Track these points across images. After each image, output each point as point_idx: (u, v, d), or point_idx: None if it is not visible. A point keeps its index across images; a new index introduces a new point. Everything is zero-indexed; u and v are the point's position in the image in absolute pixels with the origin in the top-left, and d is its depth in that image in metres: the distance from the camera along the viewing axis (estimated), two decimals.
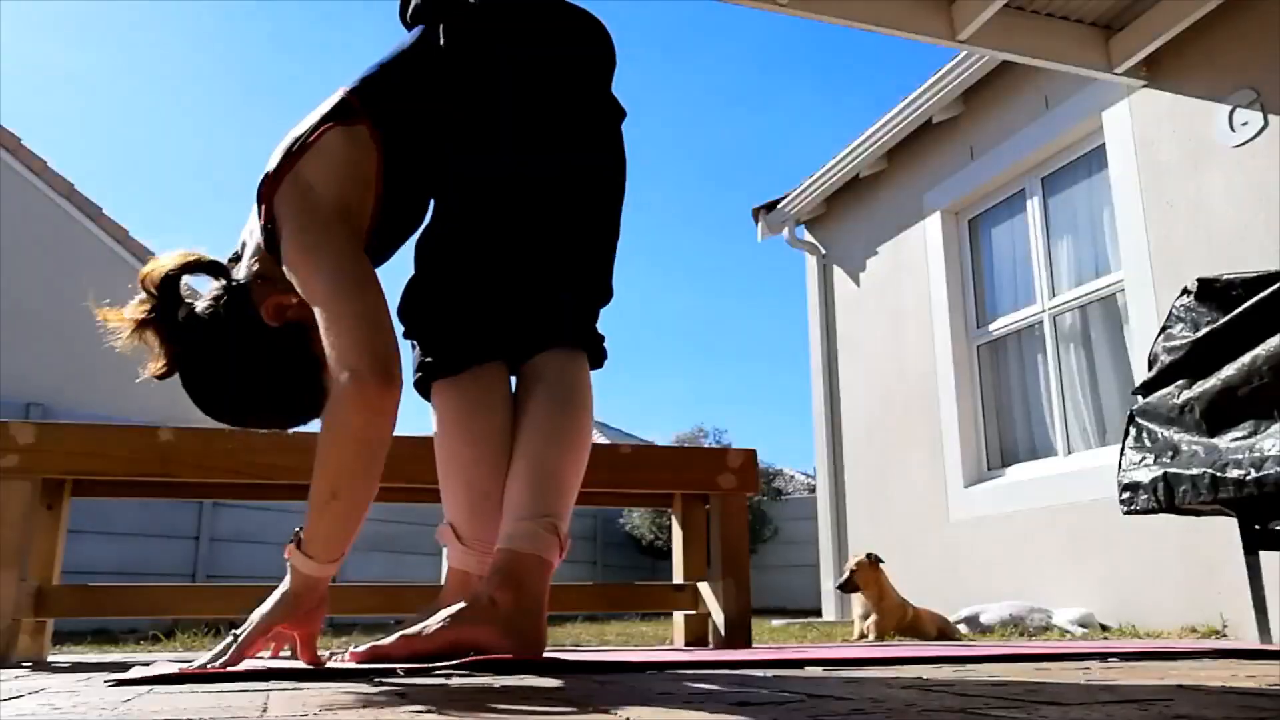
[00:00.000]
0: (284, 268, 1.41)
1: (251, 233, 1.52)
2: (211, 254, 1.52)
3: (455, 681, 1.23)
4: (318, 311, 1.36)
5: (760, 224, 7.41)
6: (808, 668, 1.53)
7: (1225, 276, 2.71)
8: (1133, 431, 2.76)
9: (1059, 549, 4.76)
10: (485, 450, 1.56)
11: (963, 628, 4.45)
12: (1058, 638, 3.90)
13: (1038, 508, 4.94)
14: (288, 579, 1.39)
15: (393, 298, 1.55)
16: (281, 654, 1.54)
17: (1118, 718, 0.83)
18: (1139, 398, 2.78)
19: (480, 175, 1.55)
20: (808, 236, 7.32)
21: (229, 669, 1.32)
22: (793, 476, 15.85)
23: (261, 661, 1.49)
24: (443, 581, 1.73)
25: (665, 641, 3.60)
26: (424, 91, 1.52)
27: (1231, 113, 4.13)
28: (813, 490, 12.65)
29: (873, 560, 4.42)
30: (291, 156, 1.43)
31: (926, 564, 5.56)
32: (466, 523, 1.59)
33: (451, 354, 1.57)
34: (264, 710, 0.92)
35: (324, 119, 1.44)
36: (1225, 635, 3.74)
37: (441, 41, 1.54)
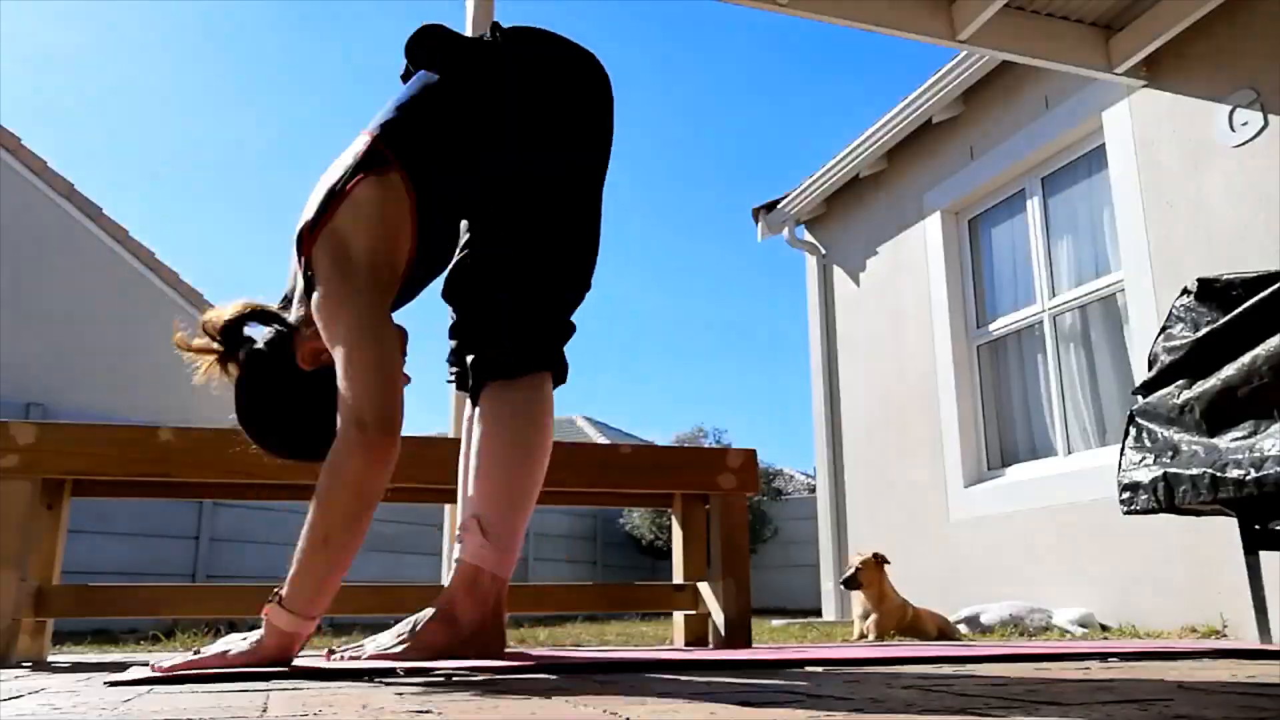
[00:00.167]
0: (314, 313, 1.48)
1: (295, 276, 1.59)
2: (267, 297, 1.63)
3: (455, 681, 1.23)
4: (335, 356, 1.44)
5: (760, 224, 7.41)
6: (808, 668, 1.53)
7: (1225, 276, 2.71)
8: (1133, 431, 2.76)
9: (1059, 549, 4.76)
10: (533, 454, 1.62)
11: (963, 628, 4.44)
12: (1058, 638, 3.90)
13: (1038, 508, 4.94)
14: (261, 635, 1.40)
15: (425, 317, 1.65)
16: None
17: (1118, 718, 0.83)
18: (1139, 398, 2.78)
19: (498, 175, 1.60)
20: (808, 236, 7.32)
21: (207, 669, 1.34)
22: (793, 476, 15.86)
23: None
24: (444, 581, 1.75)
25: (665, 641, 3.60)
26: (445, 127, 1.57)
27: (1231, 113, 4.13)
28: (813, 490, 12.66)
29: (878, 559, 4.42)
30: (327, 209, 1.48)
31: (926, 564, 5.55)
32: (500, 520, 1.59)
33: (514, 358, 1.62)
34: (264, 710, 0.92)
35: (357, 168, 1.49)
36: (1225, 635, 3.74)
37: (463, 80, 1.59)
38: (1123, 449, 2.77)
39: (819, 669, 1.50)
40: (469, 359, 1.67)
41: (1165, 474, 2.57)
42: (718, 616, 2.32)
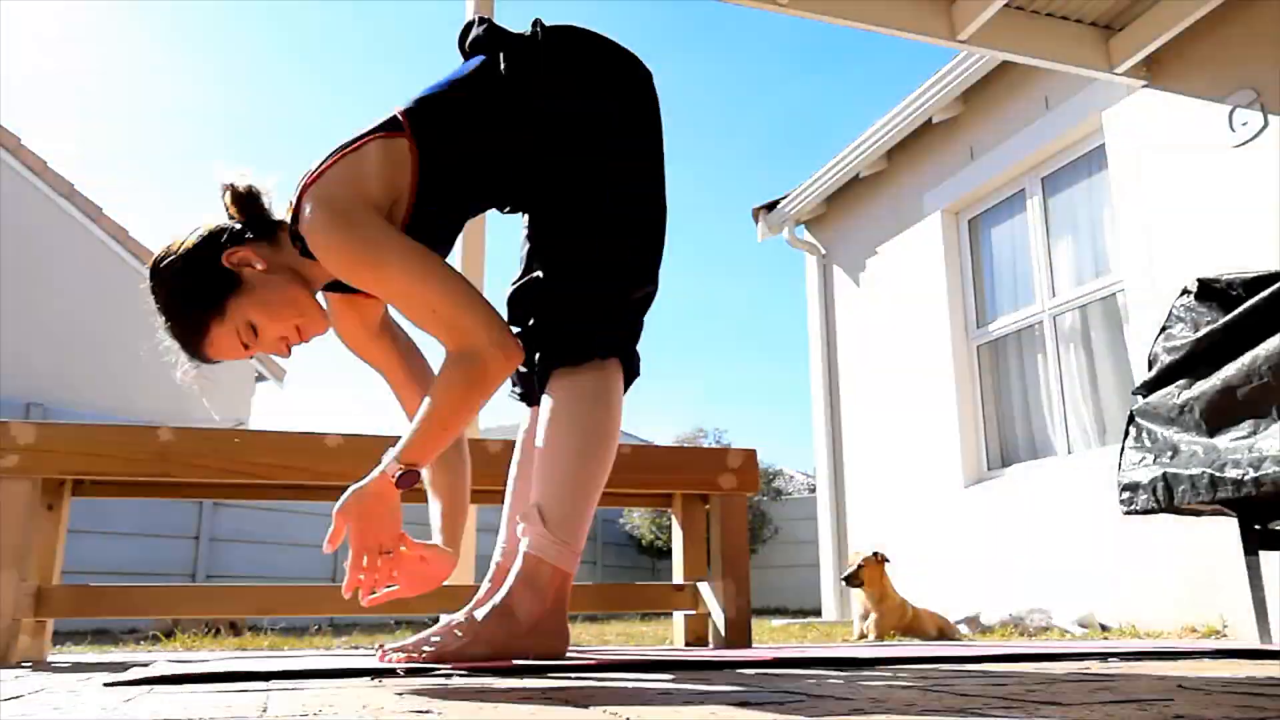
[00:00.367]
0: (334, 271, 1.49)
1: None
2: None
3: (455, 681, 1.23)
4: (399, 303, 1.48)
5: (760, 224, 7.41)
6: (808, 667, 1.53)
7: (1225, 276, 2.71)
8: (1133, 431, 2.76)
9: (1059, 549, 4.76)
10: (601, 440, 1.59)
11: (963, 628, 4.45)
12: (1058, 638, 3.90)
13: (1038, 508, 4.94)
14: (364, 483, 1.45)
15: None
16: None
17: (1118, 718, 0.83)
18: (1139, 398, 2.78)
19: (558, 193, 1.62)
20: (808, 236, 7.32)
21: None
22: (793, 476, 15.85)
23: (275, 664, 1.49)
24: (447, 580, 1.75)
25: (665, 641, 3.60)
26: (479, 120, 1.57)
27: (1231, 113, 4.13)
28: (813, 490, 12.66)
29: (880, 558, 4.42)
30: (330, 158, 1.51)
31: (927, 564, 5.55)
32: (563, 509, 1.55)
33: (580, 342, 1.60)
34: (264, 710, 0.92)
35: (369, 131, 1.52)
36: (1225, 635, 3.74)
37: (501, 70, 1.59)
38: (1122, 449, 2.77)
39: (819, 669, 1.50)
40: (534, 361, 1.64)
41: (1165, 474, 2.57)
42: (718, 616, 2.32)
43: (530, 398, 1.75)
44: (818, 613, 7.20)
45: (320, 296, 1.64)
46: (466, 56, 1.69)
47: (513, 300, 1.68)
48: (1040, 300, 5.31)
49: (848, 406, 6.76)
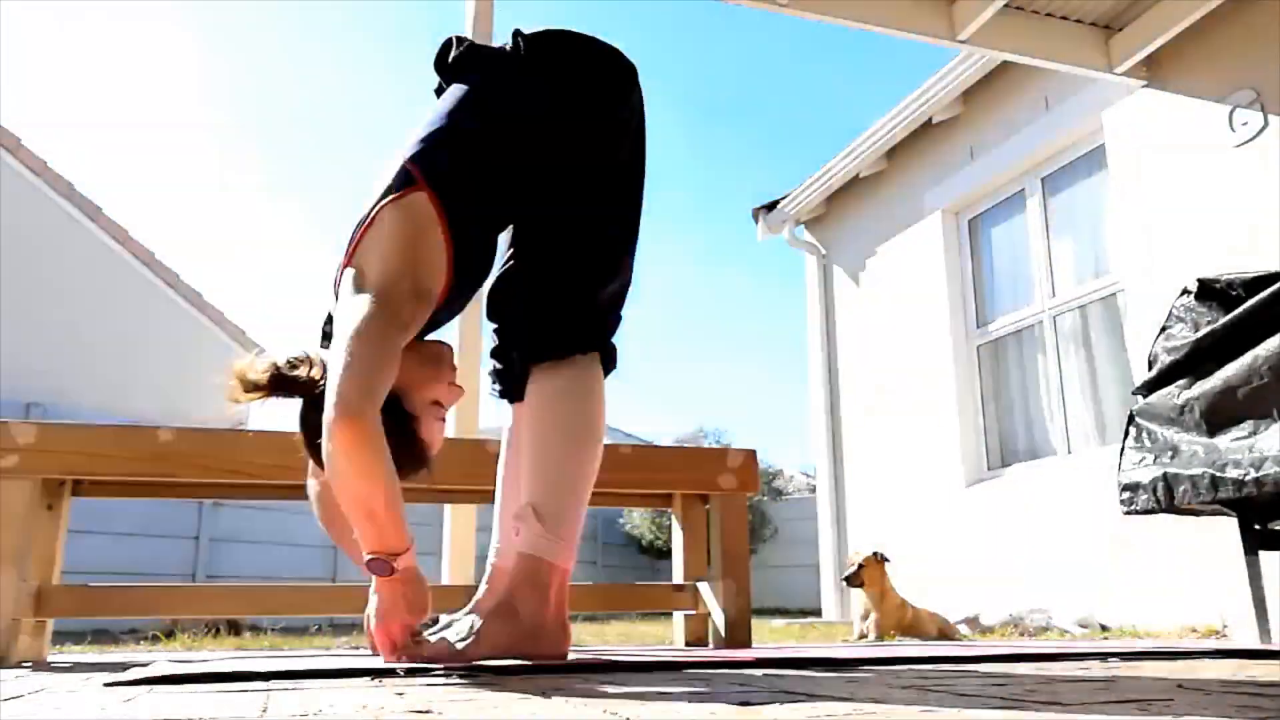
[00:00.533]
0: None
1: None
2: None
3: (455, 681, 1.23)
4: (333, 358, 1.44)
5: (760, 224, 7.41)
6: (808, 668, 1.53)
7: (1225, 276, 2.71)
8: (1133, 431, 2.76)
9: (1059, 549, 4.76)
10: (586, 435, 1.59)
11: (963, 628, 4.44)
12: (1058, 638, 3.90)
13: (1038, 507, 4.94)
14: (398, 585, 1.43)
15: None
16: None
17: (1118, 717, 0.83)
18: (1139, 398, 2.78)
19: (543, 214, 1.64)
20: (808, 236, 7.32)
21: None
22: (793, 476, 15.85)
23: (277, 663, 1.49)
24: (445, 581, 1.75)
25: (665, 641, 3.60)
26: (485, 147, 1.59)
27: (1231, 113, 4.13)
28: (813, 490, 12.66)
29: (880, 558, 4.42)
30: (353, 242, 1.54)
31: (927, 563, 5.55)
32: (556, 507, 1.55)
33: (558, 338, 1.61)
34: (264, 710, 0.92)
35: (381, 195, 1.53)
36: (1225, 635, 3.74)
37: (491, 89, 1.61)
38: (1123, 449, 2.77)
39: (819, 669, 1.50)
40: (513, 359, 1.66)
41: (1165, 474, 2.57)
42: (718, 616, 2.32)
43: (511, 395, 1.75)
44: (818, 613, 7.19)
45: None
46: (445, 77, 1.69)
47: (493, 294, 1.70)
48: (1040, 300, 5.31)
49: (848, 406, 6.76)
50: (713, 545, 2.40)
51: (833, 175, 6.70)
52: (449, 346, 1.70)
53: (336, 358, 1.39)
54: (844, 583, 4.59)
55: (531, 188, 1.63)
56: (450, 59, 1.68)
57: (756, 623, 4.49)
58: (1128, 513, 2.70)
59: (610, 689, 1.14)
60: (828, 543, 6.76)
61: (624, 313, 1.71)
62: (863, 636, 4.30)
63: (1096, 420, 4.94)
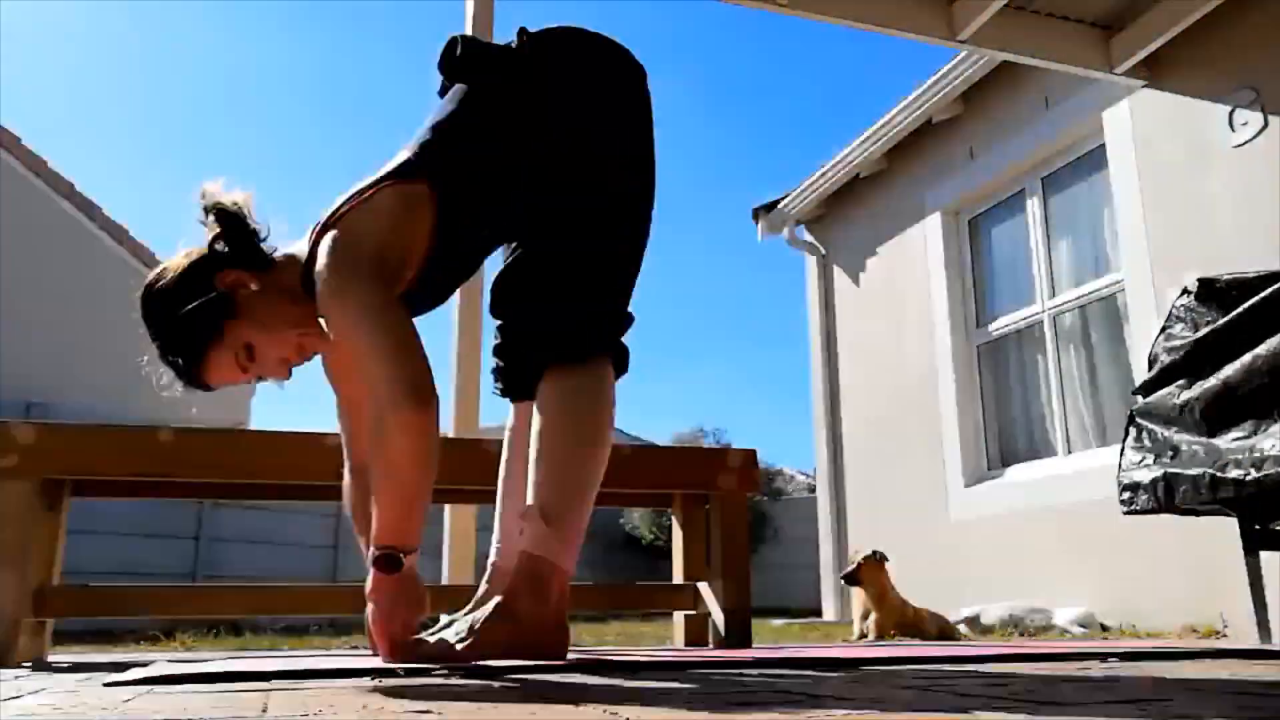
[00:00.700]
0: (319, 309, 1.50)
1: (292, 254, 1.62)
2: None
3: (455, 681, 1.23)
4: (350, 348, 1.46)
5: (760, 224, 7.40)
6: (808, 668, 1.53)
7: (1225, 276, 2.71)
8: (1133, 431, 2.76)
9: (1059, 549, 4.76)
10: (596, 437, 1.59)
11: (963, 628, 4.44)
12: (1058, 638, 3.90)
13: (1038, 508, 4.94)
14: (395, 583, 1.45)
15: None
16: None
17: (1118, 718, 0.83)
18: (1139, 398, 2.78)
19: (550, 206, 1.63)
20: (808, 236, 7.32)
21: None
22: (793, 476, 15.85)
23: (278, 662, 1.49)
24: (445, 581, 1.75)
25: (665, 641, 3.60)
26: (487, 148, 1.60)
27: (1231, 113, 4.13)
28: (813, 490, 12.65)
29: (878, 558, 4.42)
30: (344, 206, 1.53)
31: (926, 564, 5.55)
32: (562, 507, 1.55)
33: (572, 341, 1.61)
34: (264, 710, 0.92)
35: (383, 177, 1.54)
36: (1225, 635, 3.74)
37: (495, 90, 1.62)
38: (1123, 449, 2.77)
39: (819, 669, 1.50)
40: (521, 358, 1.67)
41: (1165, 474, 2.57)
42: (718, 616, 2.32)
43: (514, 393, 1.75)
44: (818, 613, 7.19)
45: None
46: (449, 77, 1.69)
47: (499, 291, 1.69)
48: (1040, 300, 5.31)
49: (847, 406, 6.76)
50: (713, 545, 2.40)
51: (833, 175, 6.69)
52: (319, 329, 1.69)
53: (371, 341, 1.41)
54: (842, 581, 4.58)
55: (537, 186, 1.62)
56: (455, 58, 1.68)
57: (756, 623, 4.49)
58: (1128, 513, 2.70)
59: (610, 689, 1.14)
60: (828, 543, 6.76)
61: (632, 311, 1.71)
62: (863, 636, 4.30)
63: (1096, 420, 4.94)
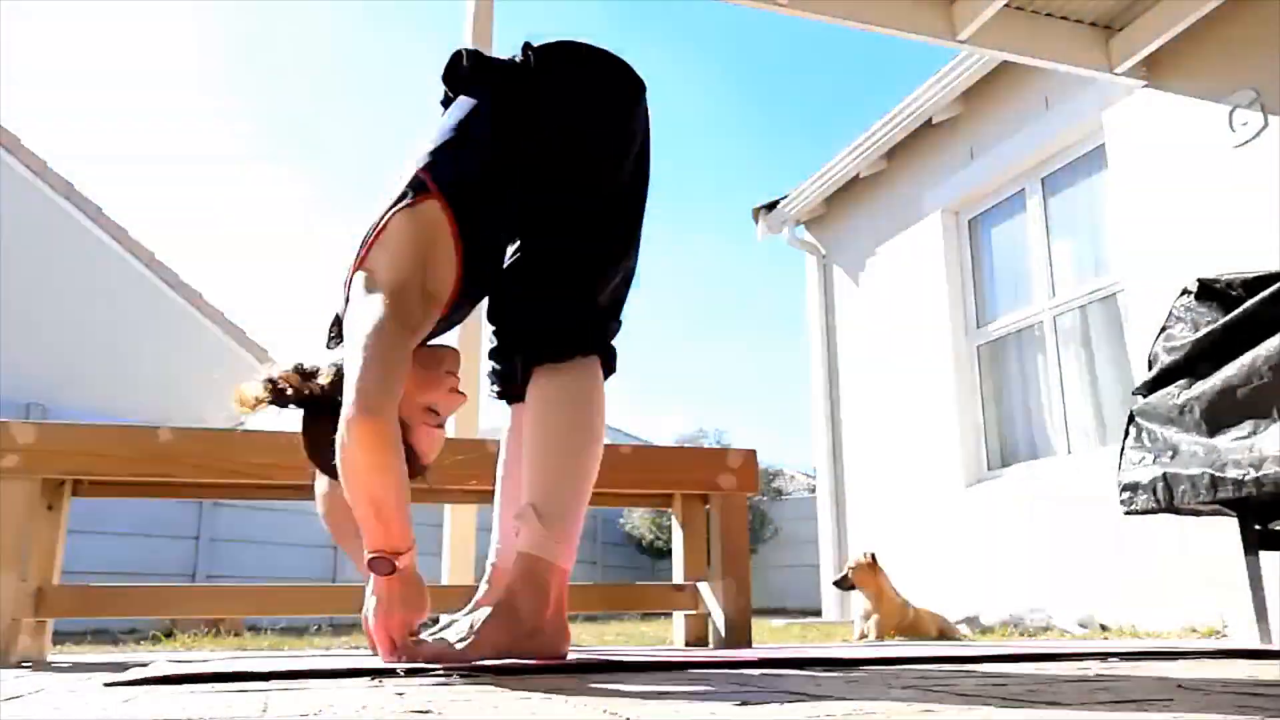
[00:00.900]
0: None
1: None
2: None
3: (455, 681, 1.23)
4: (346, 358, 1.47)
5: (760, 224, 7.41)
6: (808, 668, 1.53)
7: (1225, 276, 2.71)
8: (1133, 431, 2.76)
9: (1059, 549, 4.76)
10: (587, 436, 1.60)
11: (963, 628, 4.44)
12: (1058, 638, 3.90)
13: (1038, 508, 4.94)
14: (397, 584, 1.46)
15: None
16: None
17: (1117, 718, 0.83)
18: (1139, 398, 2.78)
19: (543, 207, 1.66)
20: (808, 236, 7.32)
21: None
22: (793, 476, 15.85)
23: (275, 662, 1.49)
24: (445, 581, 1.75)
25: (665, 641, 3.60)
26: (495, 158, 1.63)
27: (1231, 113, 4.13)
28: (813, 490, 12.67)
29: (871, 560, 4.42)
30: (365, 246, 1.56)
31: (927, 564, 5.55)
32: (557, 507, 1.56)
33: (560, 340, 1.62)
34: (264, 710, 0.92)
35: (394, 204, 1.56)
36: (1225, 635, 3.74)
37: (500, 102, 1.66)
38: (1123, 449, 2.77)
39: (819, 669, 1.50)
40: (514, 360, 1.68)
41: (1165, 474, 2.57)
42: (718, 616, 2.32)
43: (509, 396, 1.76)
44: (818, 613, 7.20)
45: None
46: (454, 89, 1.73)
47: (494, 295, 1.70)
48: (1040, 300, 5.31)
49: (848, 406, 6.76)
50: (713, 545, 2.40)
51: (833, 175, 6.70)
52: (453, 351, 1.70)
53: (352, 358, 1.42)
54: (835, 586, 4.59)
55: (537, 196, 1.65)
56: (460, 71, 1.71)
57: (756, 623, 4.49)
58: (1128, 513, 2.70)
59: (610, 689, 1.14)
60: (828, 543, 6.76)
61: (624, 314, 1.73)
62: (863, 636, 4.30)
63: (1096, 420, 4.94)
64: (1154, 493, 2.60)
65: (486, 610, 1.50)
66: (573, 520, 1.56)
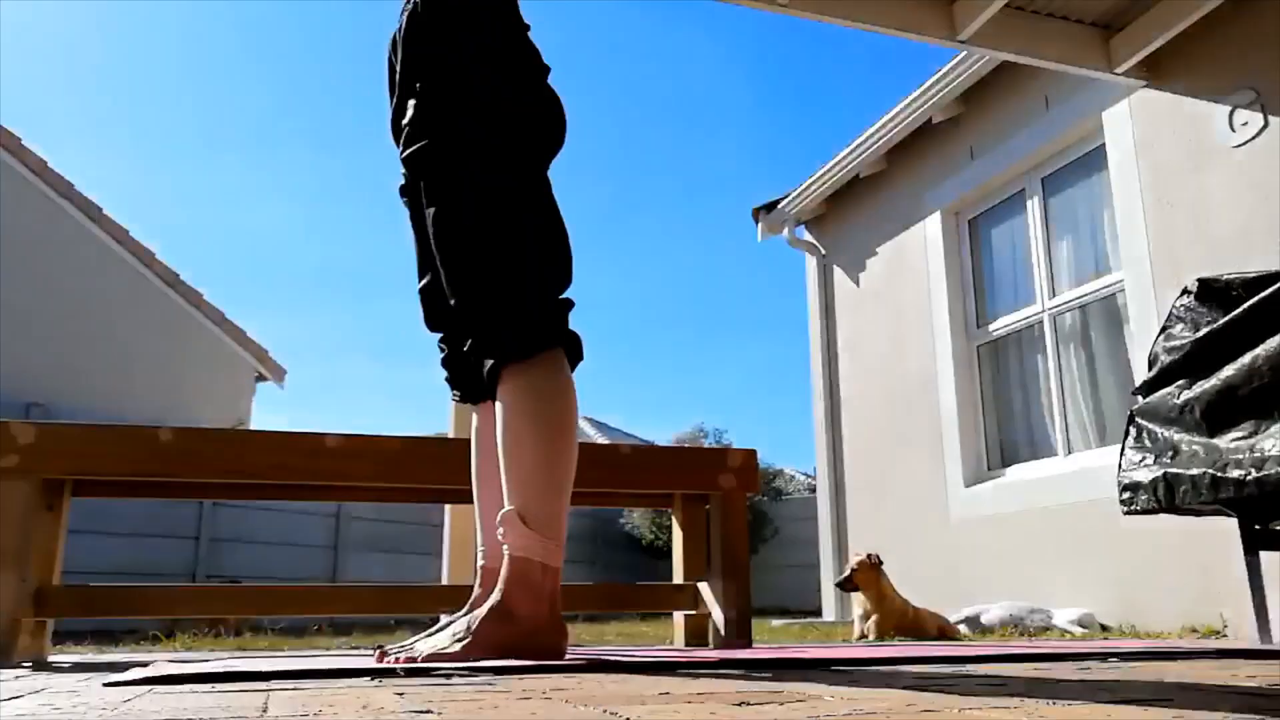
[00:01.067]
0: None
1: None
2: None
3: (455, 681, 1.23)
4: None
5: (760, 224, 7.40)
6: (808, 668, 1.53)
7: (1225, 276, 2.71)
8: (1133, 431, 2.76)
9: (1059, 549, 4.76)
10: (562, 432, 1.59)
11: (963, 628, 4.44)
12: (1058, 638, 3.90)
13: (1038, 508, 4.94)
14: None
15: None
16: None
17: (1117, 718, 0.83)
18: (1139, 398, 2.78)
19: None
20: (808, 236, 7.32)
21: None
22: (793, 476, 15.85)
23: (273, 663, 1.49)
24: (446, 580, 1.75)
25: (665, 641, 3.60)
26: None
27: (1231, 113, 4.13)
28: (813, 490, 12.66)
29: (873, 561, 4.42)
30: None
31: (926, 564, 5.55)
32: (540, 506, 1.55)
33: (520, 338, 1.59)
34: (264, 710, 0.92)
35: None
36: (1225, 635, 3.74)
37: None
38: (1123, 449, 2.77)
39: (819, 669, 1.50)
40: (471, 366, 1.66)
41: (1165, 474, 2.57)
42: (718, 616, 2.32)
43: (471, 397, 1.75)
44: (818, 613, 7.19)
45: None
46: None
47: (431, 305, 1.71)
48: (1040, 300, 5.31)
49: (847, 406, 6.76)
50: (713, 545, 2.40)
51: (833, 175, 6.69)
52: None
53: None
54: (838, 587, 4.58)
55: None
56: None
57: (756, 623, 4.49)
58: (1128, 513, 2.70)
59: (610, 689, 1.14)
60: (828, 543, 6.76)
61: (571, 296, 1.67)
62: (863, 636, 4.30)
63: (1096, 420, 4.94)
64: (1155, 493, 2.60)
65: (483, 611, 1.50)
66: (557, 518, 1.56)
